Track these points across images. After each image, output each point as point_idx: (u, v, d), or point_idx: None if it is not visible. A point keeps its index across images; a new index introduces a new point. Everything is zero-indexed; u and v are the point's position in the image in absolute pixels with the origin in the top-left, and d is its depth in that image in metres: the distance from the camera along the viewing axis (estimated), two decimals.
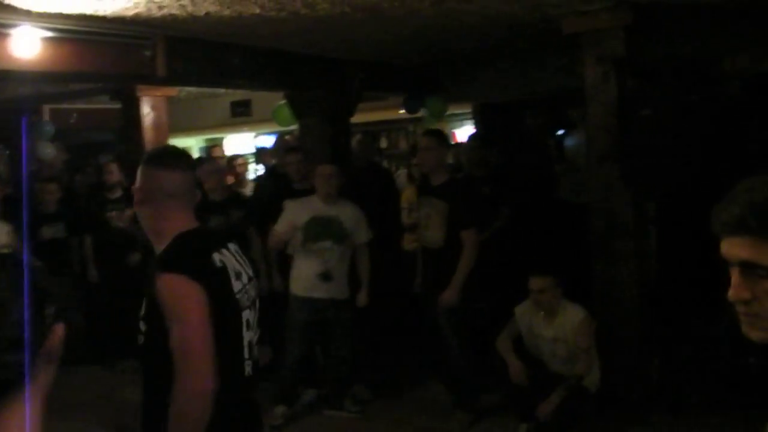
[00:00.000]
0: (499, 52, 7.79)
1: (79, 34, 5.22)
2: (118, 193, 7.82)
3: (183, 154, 2.79)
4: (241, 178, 8.12)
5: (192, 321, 2.39)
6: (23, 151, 9.62)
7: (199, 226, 2.67)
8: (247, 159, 9.43)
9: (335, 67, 7.53)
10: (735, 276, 1.41)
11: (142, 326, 2.61)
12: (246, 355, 2.61)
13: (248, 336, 2.61)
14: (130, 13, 4.97)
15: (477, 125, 10.70)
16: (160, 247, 2.60)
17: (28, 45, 4.98)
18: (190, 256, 2.54)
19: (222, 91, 10.81)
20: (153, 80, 6.62)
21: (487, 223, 6.77)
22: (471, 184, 6.54)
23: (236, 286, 2.58)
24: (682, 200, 6.08)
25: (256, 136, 14.74)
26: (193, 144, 14.51)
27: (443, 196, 5.59)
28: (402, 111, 9.97)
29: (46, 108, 10.67)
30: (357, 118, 8.51)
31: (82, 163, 11.45)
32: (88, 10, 4.86)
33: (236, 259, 2.65)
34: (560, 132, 7.68)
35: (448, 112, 10.00)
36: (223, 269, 2.54)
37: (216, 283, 2.49)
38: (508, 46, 7.32)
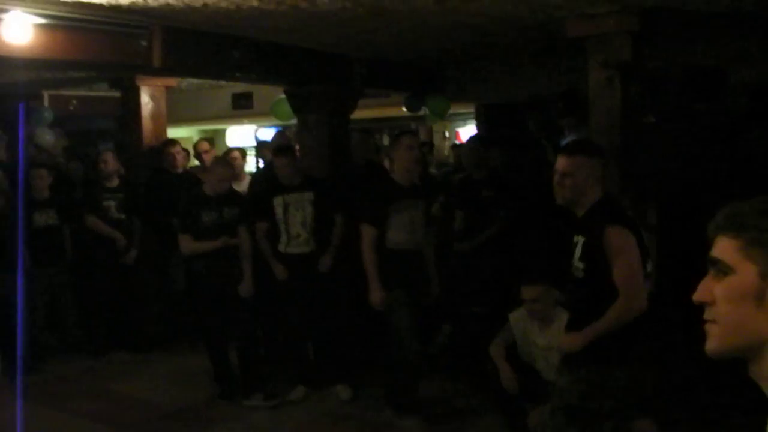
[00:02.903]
0: (503, 52, 7.69)
1: (73, 21, 5.12)
2: (114, 182, 7.74)
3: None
4: (237, 172, 7.99)
5: (633, 259, 3.51)
6: (20, 138, 9.57)
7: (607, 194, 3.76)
8: (245, 152, 9.33)
9: (336, 63, 7.44)
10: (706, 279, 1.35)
11: (580, 265, 3.62)
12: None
13: None
14: (126, 1, 4.88)
15: (479, 126, 10.62)
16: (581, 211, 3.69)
17: (20, 31, 4.87)
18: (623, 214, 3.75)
19: (224, 82, 10.71)
20: (148, 70, 6.54)
21: (484, 226, 6.70)
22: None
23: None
24: (683, 210, 5.97)
25: (257, 129, 14.69)
26: (192, 135, 14.46)
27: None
28: (404, 109, 9.89)
29: (46, 94, 10.58)
30: (359, 115, 8.42)
31: (82, 150, 11.38)
32: None
33: None
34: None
35: (451, 112, 9.91)
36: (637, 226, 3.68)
37: (638, 235, 3.59)
38: (513, 47, 7.23)
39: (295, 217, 6.20)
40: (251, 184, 7.52)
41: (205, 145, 8.84)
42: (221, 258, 6.17)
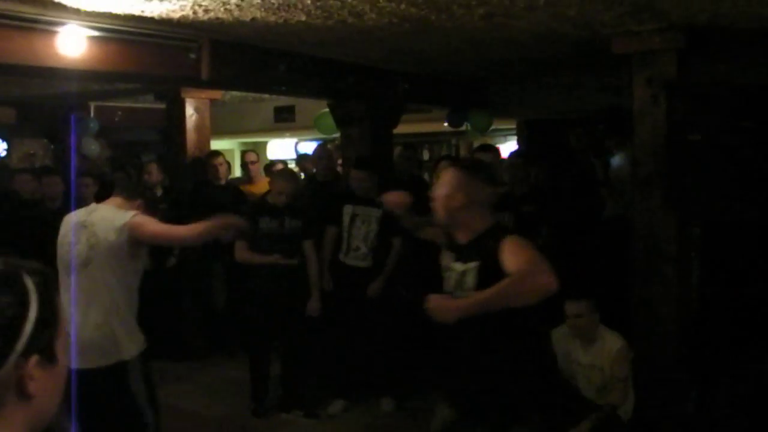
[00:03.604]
0: (545, 68, 7.69)
1: (125, 34, 5.21)
2: (158, 193, 7.84)
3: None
4: None
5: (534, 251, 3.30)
6: (72, 148, 9.75)
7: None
8: (287, 165, 9.43)
9: (380, 78, 7.49)
10: None
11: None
12: None
13: None
14: (176, 15, 4.96)
15: (520, 141, 10.61)
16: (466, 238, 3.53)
17: (74, 43, 4.97)
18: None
19: (266, 95, 10.83)
20: (197, 83, 6.63)
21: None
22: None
23: None
24: (729, 229, 5.91)
25: (298, 142, 14.80)
26: (234, 147, 14.61)
27: None
28: (445, 124, 9.91)
29: (92, 105, 10.77)
30: (399, 130, 8.47)
31: (125, 161, 11.55)
32: (135, 11, 4.85)
33: None
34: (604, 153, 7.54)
35: (492, 127, 9.91)
36: None
37: None
38: (556, 63, 7.22)
39: (360, 230, 6.20)
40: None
41: (253, 156, 8.94)
42: (278, 277, 6.04)
